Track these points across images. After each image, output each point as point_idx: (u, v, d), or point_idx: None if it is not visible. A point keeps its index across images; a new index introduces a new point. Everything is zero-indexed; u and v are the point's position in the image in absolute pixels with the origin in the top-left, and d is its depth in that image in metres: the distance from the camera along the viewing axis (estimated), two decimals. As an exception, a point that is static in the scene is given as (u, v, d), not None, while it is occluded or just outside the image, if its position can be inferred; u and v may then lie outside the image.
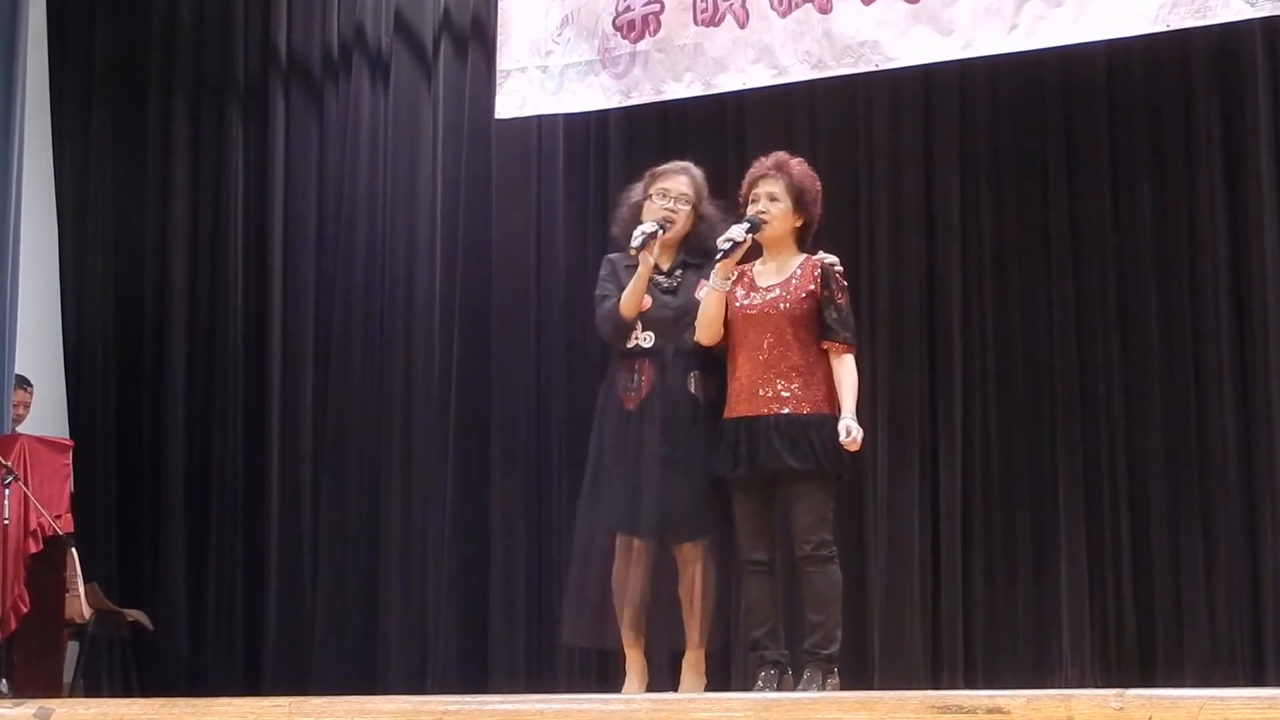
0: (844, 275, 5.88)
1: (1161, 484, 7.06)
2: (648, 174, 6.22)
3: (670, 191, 6.09)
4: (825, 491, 5.73)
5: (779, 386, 5.75)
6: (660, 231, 5.98)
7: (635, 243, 5.95)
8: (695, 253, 6.08)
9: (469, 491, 8.20)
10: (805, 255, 5.90)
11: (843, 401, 5.75)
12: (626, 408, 5.99)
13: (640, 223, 6.02)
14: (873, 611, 7.32)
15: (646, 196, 6.11)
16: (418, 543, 8.27)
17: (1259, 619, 6.81)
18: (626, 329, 6.04)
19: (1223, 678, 6.67)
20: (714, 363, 5.98)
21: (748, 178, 5.93)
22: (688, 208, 6.08)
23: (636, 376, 5.99)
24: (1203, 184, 7.12)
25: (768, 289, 5.85)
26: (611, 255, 6.22)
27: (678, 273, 6.08)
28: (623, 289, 6.03)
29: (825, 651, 5.68)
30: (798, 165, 5.92)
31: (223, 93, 9.09)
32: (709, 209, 6.15)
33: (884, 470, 7.40)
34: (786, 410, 5.72)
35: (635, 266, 6.03)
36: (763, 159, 5.95)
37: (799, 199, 5.88)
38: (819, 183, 5.97)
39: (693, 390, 5.96)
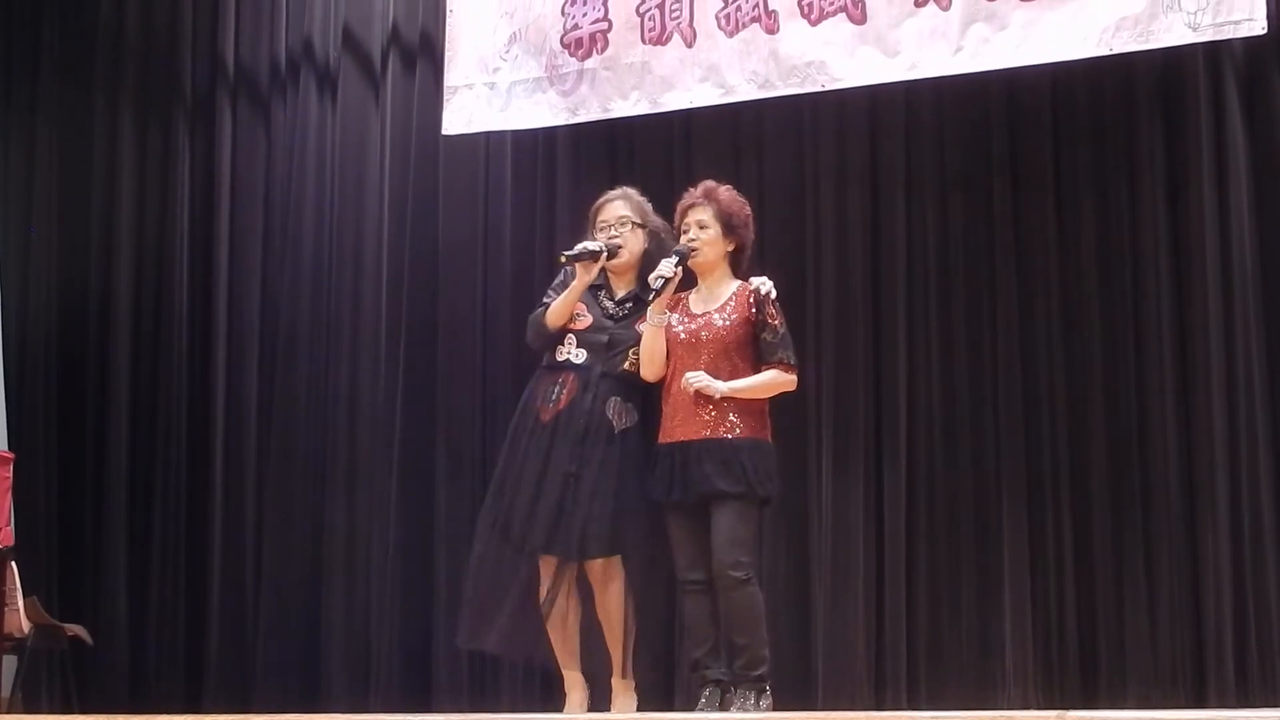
0: (780, 297, 5.94)
1: (1104, 503, 7.08)
2: (590, 214, 6.28)
3: (609, 220, 6.15)
4: (748, 514, 5.78)
5: (713, 411, 5.78)
6: (604, 253, 6.02)
7: (570, 251, 6.00)
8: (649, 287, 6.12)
9: (413, 505, 8.16)
10: (739, 281, 5.95)
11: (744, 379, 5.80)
12: (541, 419, 6.00)
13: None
14: (817, 629, 7.33)
15: (593, 236, 6.16)
16: (362, 556, 8.24)
17: (1200, 639, 6.84)
18: (549, 338, 6.09)
19: (1164, 698, 6.70)
20: (637, 392, 6.02)
21: (679, 207, 6.03)
22: (629, 228, 6.12)
23: (558, 389, 6.02)
24: (1145, 203, 7.17)
25: (701, 315, 5.91)
26: (569, 266, 6.24)
27: (628, 304, 6.11)
28: None
29: (754, 673, 5.73)
30: (725, 192, 6.00)
31: (169, 105, 9.00)
32: (656, 223, 6.20)
33: (828, 488, 7.40)
34: (720, 435, 5.77)
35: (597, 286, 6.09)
36: (692, 188, 6.06)
37: (728, 224, 5.96)
38: (748, 208, 6.07)
39: (609, 415, 5.98)
